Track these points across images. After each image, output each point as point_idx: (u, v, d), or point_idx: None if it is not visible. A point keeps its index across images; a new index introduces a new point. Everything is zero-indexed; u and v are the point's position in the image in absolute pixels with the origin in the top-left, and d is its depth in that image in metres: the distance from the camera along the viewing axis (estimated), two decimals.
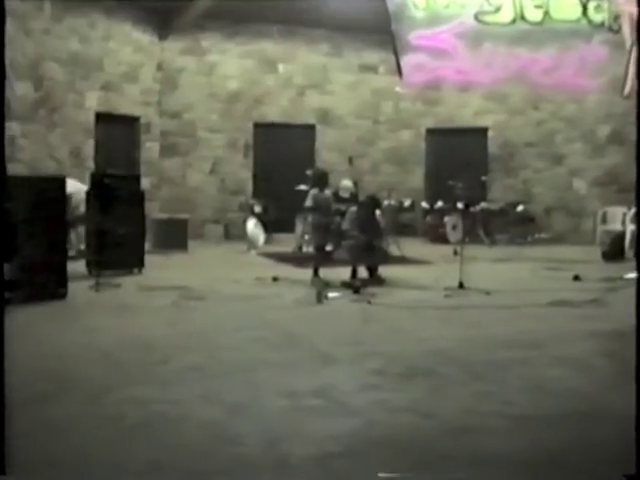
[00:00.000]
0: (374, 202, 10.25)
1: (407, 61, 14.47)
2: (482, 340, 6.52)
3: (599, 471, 3.62)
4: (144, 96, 16.64)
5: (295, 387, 5.00)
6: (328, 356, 5.86)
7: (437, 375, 5.38)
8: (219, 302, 8.44)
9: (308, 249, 12.63)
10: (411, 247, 14.17)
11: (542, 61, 14.94)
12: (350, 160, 12.92)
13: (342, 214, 10.31)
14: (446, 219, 16.75)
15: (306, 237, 12.89)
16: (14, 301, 7.67)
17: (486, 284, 9.59)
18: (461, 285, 9.36)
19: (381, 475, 3.55)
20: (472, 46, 14.56)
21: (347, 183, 11.89)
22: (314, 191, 10.14)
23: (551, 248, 15.72)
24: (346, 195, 11.55)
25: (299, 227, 13.97)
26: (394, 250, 12.51)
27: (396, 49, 14.56)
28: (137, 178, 11.65)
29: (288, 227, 15.08)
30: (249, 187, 17.70)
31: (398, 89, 17.22)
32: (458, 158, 17.55)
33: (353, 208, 10.13)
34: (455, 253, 12.86)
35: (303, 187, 12.74)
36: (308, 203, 10.12)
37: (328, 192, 10.29)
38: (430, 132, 18.69)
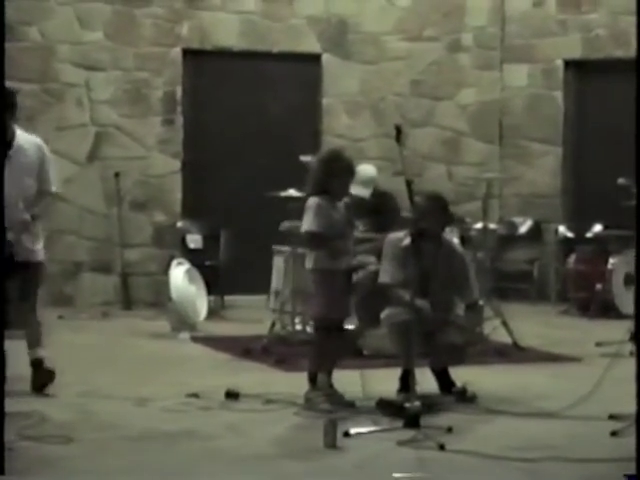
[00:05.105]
0: (453, 225, 9.19)
1: None
2: None
3: None
4: None
5: None
6: None
7: None
8: (104, 447, 6.49)
9: (303, 327, 9.92)
10: (534, 324, 11.75)
11: None
12: (398, 131, 7.56)
13: (378, 256, 8.03)
14: (612, 262, 13.00)
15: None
16: None
17: None
18: None
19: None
20: None
21: (367, 170, 9.78)
22: (319, 201, 7.52)
23: None
24: (364, 195, 9.57)
25: (286, 280, 10.35)
26: (494, 330, 10.37)
27: None
28: None
29: (258, 281, 11.78)
30: (175, 194, 13.53)
31: None
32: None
33: (397, 236, 7.51)
34: (634, 338, 10.83)
35: (294, 192, 9.88)
36: (309, 227, 7.58)
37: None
38: (575, 68, 14.31)
